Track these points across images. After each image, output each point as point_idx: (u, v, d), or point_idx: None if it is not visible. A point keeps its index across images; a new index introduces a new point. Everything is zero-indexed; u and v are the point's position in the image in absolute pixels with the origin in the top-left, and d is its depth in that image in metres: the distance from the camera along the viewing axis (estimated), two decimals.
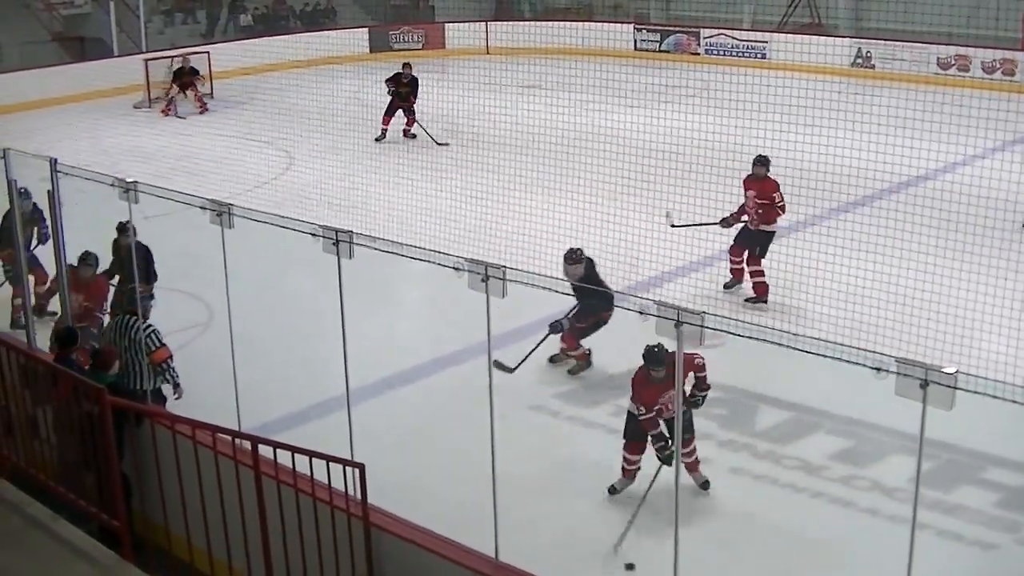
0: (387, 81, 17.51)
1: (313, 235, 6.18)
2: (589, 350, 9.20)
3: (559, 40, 23.44)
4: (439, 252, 5.67)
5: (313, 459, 5.77)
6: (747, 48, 24.96)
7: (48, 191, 8.01)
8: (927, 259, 10.18)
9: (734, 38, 25.34)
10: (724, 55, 25.04)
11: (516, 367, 8.64)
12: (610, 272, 10.13)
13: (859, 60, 23.23)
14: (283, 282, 11.00)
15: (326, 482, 5.86)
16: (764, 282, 10.66)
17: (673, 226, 11.19)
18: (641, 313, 4.91)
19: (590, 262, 9.09)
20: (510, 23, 27.13)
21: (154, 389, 7.87)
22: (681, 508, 5.39)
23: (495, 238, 11.17)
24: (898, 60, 22.65)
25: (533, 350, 8.93)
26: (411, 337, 10.42)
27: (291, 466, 5.82)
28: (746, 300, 10.69)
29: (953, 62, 21.99)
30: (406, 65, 17.74)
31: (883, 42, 23.05)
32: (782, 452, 7.98)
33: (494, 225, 12.03)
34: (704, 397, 7.34)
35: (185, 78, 21.34)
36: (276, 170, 16.52)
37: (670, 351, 6.63)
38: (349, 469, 5.77)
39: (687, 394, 7.17)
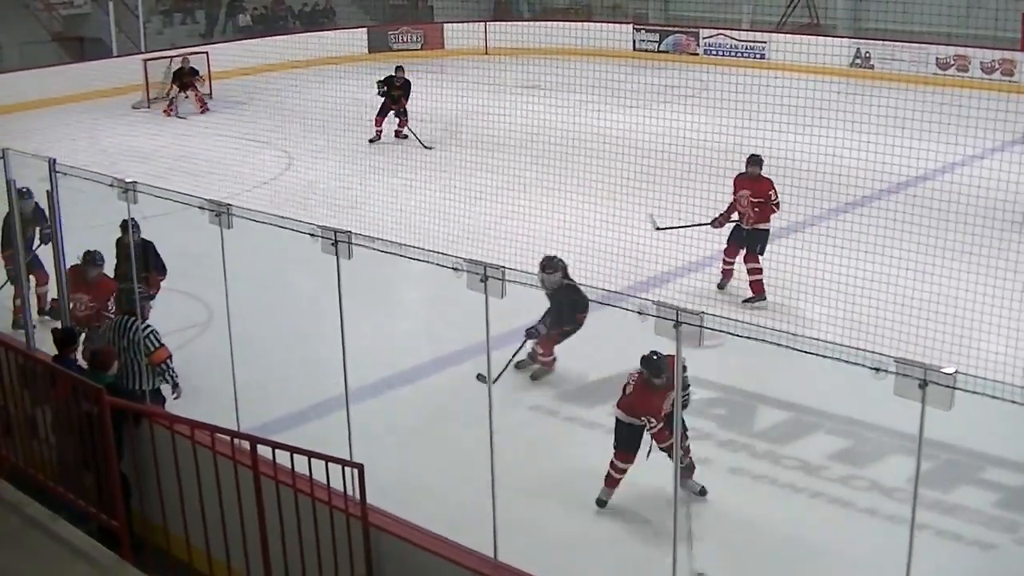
0: (379, 83, 17.58)
1: (312, 235, 6.17)
2: (555, 357, 9.19)
3: (558, 40, 23.49)
4: (438, 252, 5.66)
5: (312, 459, 5.77)
6: (746, 48, 24.97)
7: (47, 191, 8.01)
8: (926, 259, 10.19)
9: (733, 38, 25.35)
10: (723, 55, 25.06)
11: (497, 378, 8.59)
12: (608, 272, 10.14)
13: (858, 60, 23.25)
14: (282, 282, 10.99)
15: (325, 482, 5.86)
16: (761, 280, 10.67)
17: (658, 228, 11.21)
18: (640, 313, 4.91)
19: (564, 269, 9.04)
20: (509, 23, 27.14)
21: (153, 389, 7.86)
22: (680, 508, 5.38)
23: (494, 238, 11.17)
24: (897, 60, 22.67)
25: (513, 358, 8.93)
26: (410, 337, 10.42)
27: (290, 466, 5.82)
28: (744, 300, 10.68)
29: (952, 62, 22.01)
30: (399, 68, 17.88)
31: (882, 42, 23.07)
32: (781, 452, 7.99)
33: (493, 225, 12.04)
34: (689, 395, 7.35)
35: (185, 78, 21.37)
36: (275, 170, 16.53)
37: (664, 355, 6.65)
38: (348, 469, 5.77)
39: None
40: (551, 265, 8.77)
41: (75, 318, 8.88)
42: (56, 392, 6.48)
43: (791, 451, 7.99)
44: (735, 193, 10.83)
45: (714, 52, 25.34)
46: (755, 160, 10.81)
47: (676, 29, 26.53)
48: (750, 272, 10.75)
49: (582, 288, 8.64)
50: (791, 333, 4.79)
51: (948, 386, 4.16)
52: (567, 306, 8.79)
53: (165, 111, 21.29)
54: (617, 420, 7.24)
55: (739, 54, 24.91)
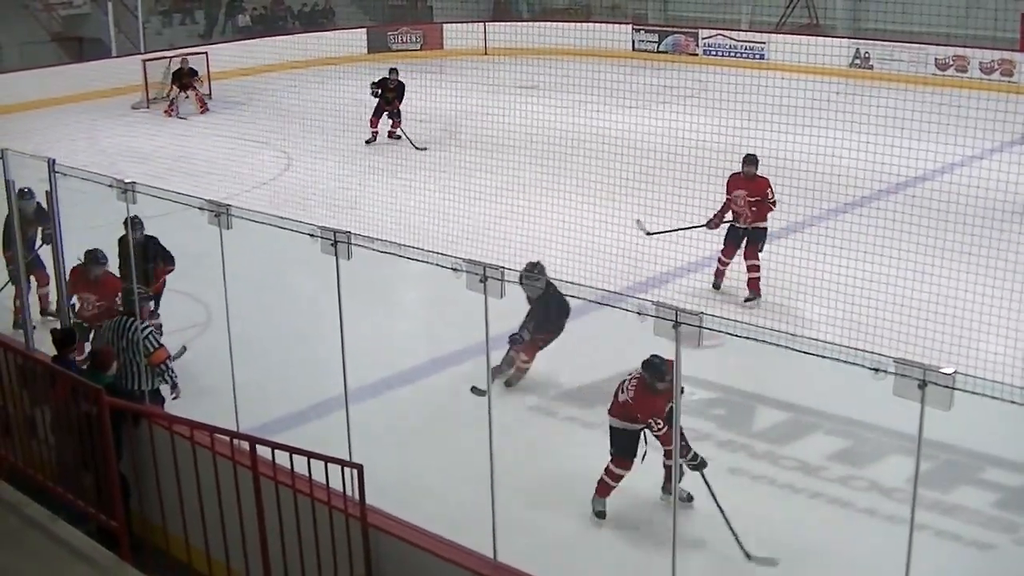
0: (373, 85, 17.65)
1: (311, 236, 6.17)
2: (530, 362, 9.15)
3: (557, 41, 23.51)
4: (437, 253, 5.66)
5: (311, 460, 5.77)
6: (745, 49, 24.97)
7: (46, 191, 8.01)
8: (925, 259, 10.20)
9: (732, 39, 25.35)
10: (722, 56, 25.05)
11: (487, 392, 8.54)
12: (607, 273, 10.14)
13: (857, 61, 23.25)
14: (282, 283, 10.99)
15: (324, 483, 5.86)
16: (759, 277, 10.72)
17: (648, 234, 11.21)
18: (639, 314, 4.91)
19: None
20: (508, 23, 27.15)
21: (152, 390, 7.86)
22: (679, 508, 5.38)
23: (493, 239, 11.17)
24: (896, 61, 22.67)
25: (500, 366, 8.92)
26: (409, 338, 10.42)
27: (289, 467, 5.82)
28: (745, 300, 10.70)
29: (951, 63, 22.01)
30: (392, 70, 18.00)
31: (881, 43, 23.07)
32: (780, 452, 7.99)
33: (492, 226, 12.04)
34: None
35: (184, 79, 21.38)
36: (274, 170, 16.53)
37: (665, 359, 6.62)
38: (347, 470, 5.77)
39: None
40: (535, 271, 8.59)
41: (83, 317, 8.90)
42: (55, 392, 6.48)
43: (790, 451, 7.99)
44: (729, 193, 10.85)
45: (713, 52, 25.33)
46: (751, 160, 10.84)
47: (675, 29, 26.52)
48: (750, 269, 10.78)
49: (565, 293, 8.60)
50: (790, 334, 4.79)
51: (947, 386, 4.16)
52: (553, 312, 8.72)
53: (166, 111, 21.30)
54: (612, 428, 7.15)
55: (738, 54, 24.90)
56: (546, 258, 9.44)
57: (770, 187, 10.74)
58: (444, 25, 28.05)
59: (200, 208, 6.86)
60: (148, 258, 9.53)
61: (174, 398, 7.88)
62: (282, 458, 5.89)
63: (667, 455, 7.11)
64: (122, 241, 9.36)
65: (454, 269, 5.47)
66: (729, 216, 10.86)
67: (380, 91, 17.66)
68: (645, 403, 6.88)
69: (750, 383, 8.88)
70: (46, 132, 18.79)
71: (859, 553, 6.78)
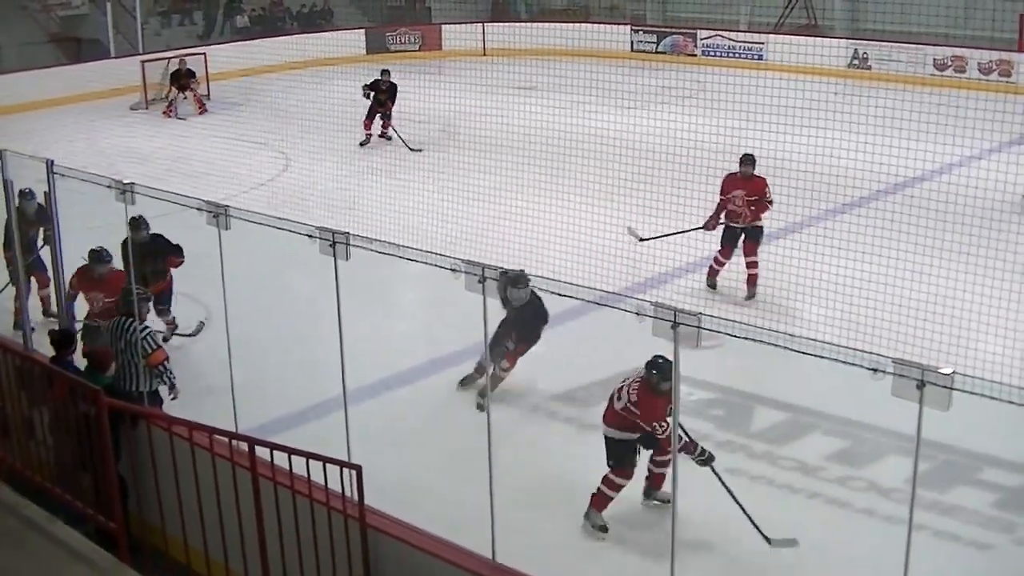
0: (365, 87, 17.68)
1: (310, 236, 6.17)
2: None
3: (555, 41, 23.48)
4: (436, 253, 5.67)
5: (310, 460, 5.77)
6: (744, 49, 24.98)
7: (45, 192, 8.00)
8: (924, 260, 10.21)
9: (731, 39, 25.36)
10: (721, 56, 25.05)
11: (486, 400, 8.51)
12: (606, 273, 10.14)
13: (855, 61, 23.26)
14: (280, 283, 10.99)
15: (323, 484, 5.86)
16: (757, 274, 10.80)
17: (641, 240, 11.21)
18: (638, 314, 4.91)
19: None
20: (506, 24, 27.13)
21: (151, 391, 7.86)
22: (680, 506, 5.39)
23: (491, 239, 11.17)
24: (894, 61, 22.68)
25: (491, 375, 8.90)
26: (408, 338, 10.42)
27: (288, 468, 5.81)
28: (747, 297, 10.76)
29: (949, 63, 22.02)
30: (384, 71, 18.04)
31: (879, 43, 23.08)
32: (779, 453, 7.99)
33: (491, 226, 12.03)
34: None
35: (182, 80, 21.38)
36: (273, 171, 16.52)
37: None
38: (346, 470, 5.77)
39: None
40: (521, 280, 8.27)
41: (94, 315, 8.91)
42: (53, 393, 6.47)
43: (789, 452, 7.99)
44: (725, 193, 10.86)
45: (712, 53, 25.34)
46: (749, 160, 10.87)
47: (673, 30, 26.53)
48: (750, 266, 10.83)
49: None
50: (788, 334, 4.79)
51: (946, 387, 4.17)
52: (537, 320, 8.65)
53: (164, 112, 21.30)
54: (608, 439, 7.04)
55: (737, 55, 24.91)
56: (544, 258, 9.46)
57: (768, 186, 10.80)
58: (442, 26, 28.05)
59: (198, 209, 6.86)
60: (157, 254, 9.58)
61: (172, 399, 7.88)
62: (281, 459, 5.89)
63: (657, 459, 7.08)
64: (125, 243, 9.39)
65: (452, 270, 5.47)
66: (724, 217, 10.89)
67: (372, 93, 17.71)
68: (648, 405, 6.79)
69: (748, 383, 8.89)
70: (44, 133, 18.78)
71: (858, 553, 6.79)
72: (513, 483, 6.70)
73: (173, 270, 9.85)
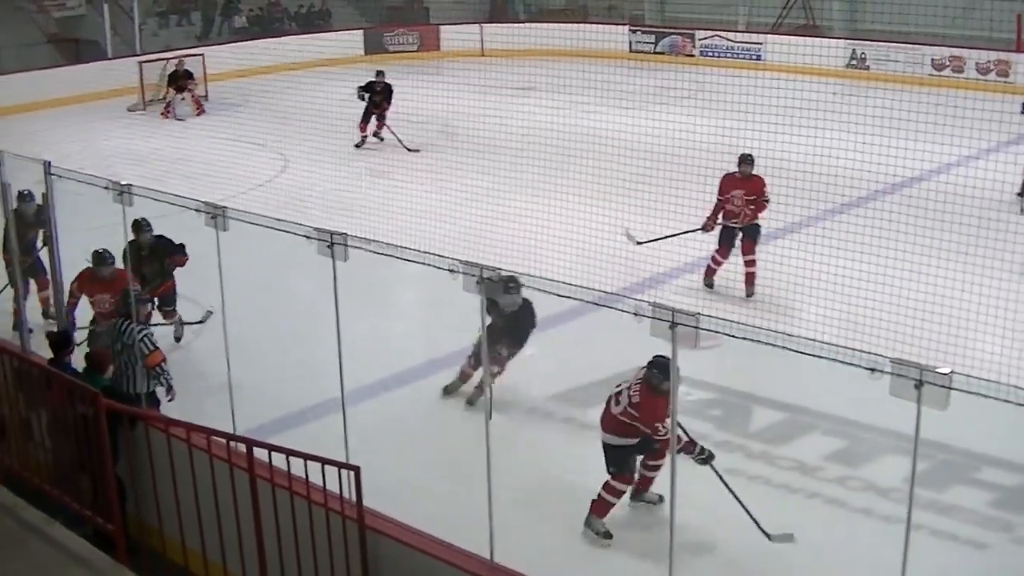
0: (360, 88, 17.68)
1: (307, 237, 6.16)
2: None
3: (554, 42, 23.47)
4: (434, 254, 5.66)
5: (308, 462, 5.76)
6: (742, 50, 24.99)
7: (42, 193, 8.00)
8: (922, 259, 10.21)
9: (729, 40, 25.38)
10: (719, 57, 25.07)
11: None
12: (604, 273, 10.14)
13: (854, 61, 23.28)
14: (279, 284, 10.99)
15: (321, 485, 5.85)
16: (755, 272, 10.84)
17: (638, 243, 11.21)
18: (636, 314, 4.90)
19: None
20: (505, 25, 27.15)
21: (148, 392, 7.86)
22: (677, 507, 5.39)
23: (490, 240, 11.16)
24: (892, 61, 22.71)
25: (455, 382, 8.90)
26: (406, 339, 10.41)
27: (286, 469, 5.81)
28: (747, 295, 10.80)
29: (947, 63, 22.04)
30: (379, 73, 18.04)
31: (877, 43, 23.10)
32: (776, 453, 7.99)
33: (489, 227, 12.03)
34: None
35: (180, 81, 21.38)
36: (271, 172, 16.52)
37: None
38: (345, 472, 5.76)
39: None
40: (512, 287, 8.21)
41: (100, 318, 8.91)
42: (52, 395, 6.47)
43: (787, 452, 7.99)
44: (724, 193, 10.87)
45: (710, 53, 25.36)
46: (747, 159, 10.89)
47: (672, 31, 26.54)
48: (748, 264, 10.87)
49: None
50: (787, 334, 4.78)
51: (944, 386, 4.17)
52: (527, 326, 8.57)
53: (163, 113, 21.31)
54: (608, 445, 6.98)
55: (735, 55, 24.92)
56: (542, 259, 9.45)
57: (765, 186, 10.84)
58: (440, 26, 28.06)
59: (196, 210, 6.85)
60: (161, 255, 9.61)
61: (170, 400, 7.86)
62: (279, 460, 5.88)
63: (649, 463, 7.05)
64: (130, 244, 9.39)
65: (450, 271, 5.46)
66: (721, 217, 10.90)
67: (368, 95, 17.69)
68: (650, 405, 6.73)
69: (747, 383, 8.89)
70: (42, 134, 18.78)
71: (856, 553, 6.78)
72: (511, 484, 6.69)
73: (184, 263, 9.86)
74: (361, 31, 27.75)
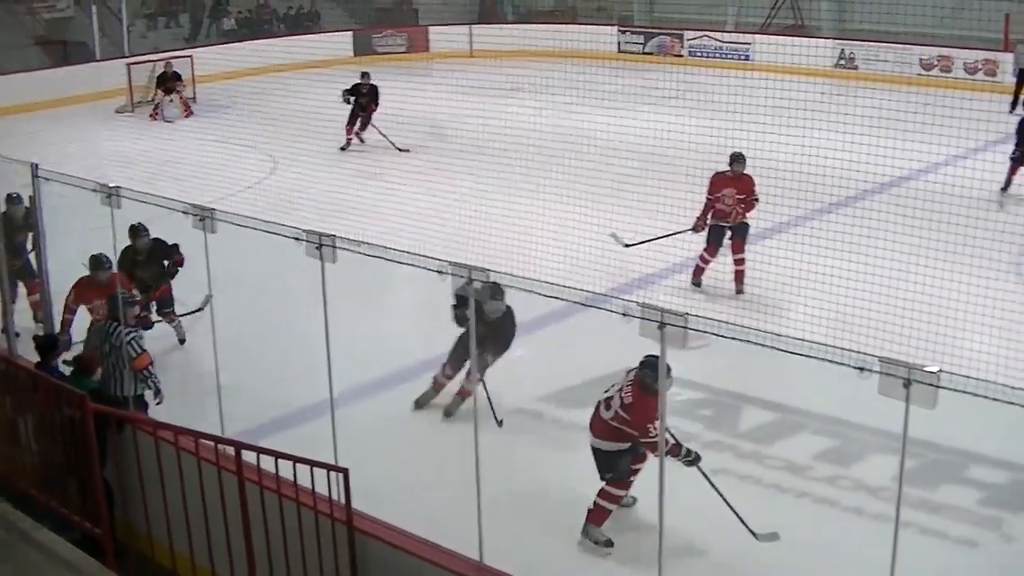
0: (345, 91, 17.67)
1: (296, 239, 6.15)
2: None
3: (543, 43, 23.48)
4: (423, 256, 5.65)
5: (297, 464, 5.74)
6: (730, 50, 25.03)
7: (30, 196, 7.96)
8: (910, 259, 10.23)
9: (717, 40, 25.41)
10: (708, 57, 25.10)
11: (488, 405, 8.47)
12: (593, 274, 10.13)
13: (842, 61, 23.34)
14: (268, 286, 10.96)
15: (310, 487, 5.84)
16: (744, 270, 10.90)
17: (626, 246, 11.22)
18: (624, 315, 4.90)
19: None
20: (493, 26, 27.15)
21: (136, 395, 7.83)
22: (664, 509, 5.38)
23: (479, 241, 11.15)
24: (881, 61, 22.78)
25: (429, 392, 8.84)
26: (396, 341, 10.38)
27: (275, 471, 5.79)
28: (737, 292, 10.84)
29: (936, 63, 22.12)
30: (364, 75, 18.02)
31: (866, 43, 23.16)
32: (766, 452, 7.99)
33: (478, 228, 12.02)
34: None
35: (168, 83, 21.33)
36: (260, 174, 16.48)
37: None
38: (333, 474, 5.75)
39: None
40: (498, 293, 8.14)
41: (98, 323, 8.85)
42: (39, 398, 6.44)
43: (776, 451, 8.00)
44: (714, 193, 10.89)
45: (698, 54, 25.39)
46: (739, 158, 10.92)
47: (660, 31, 26.57)
48: (738, 263, 10.91)
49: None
50: (776, 334, 4.79)
51: (932, 385, 4.18)
52: (510, 330, 8.51)
53: (151, 115, 21.26)
54: (600, 450, 6.91)
55: (723, 55, 24.96)
56: (530, 260, 9.44)
57: (755, 184, 10.91)
58: (429, 28, 28.04)
59: (184, 212, 6.82)
60: (159, 258, 9.58)
61: (157, 403, 7.84)
62: (267, 463, 5.86)
63: (633, 467, 7.03)
64: (126, 250, 9.37)
65: (440, 272, 5.46)
66: (711, 217, 10.92)
67: (354, 97, 17.68)
68: (642, 406, 6.66)
69: (736, 383, 8.89)
70: (29, 136, 18.69)
71: (846, 552, 6.78)
72: (501, 485, 6.69)
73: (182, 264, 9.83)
74: (350, 33, 27.71)
